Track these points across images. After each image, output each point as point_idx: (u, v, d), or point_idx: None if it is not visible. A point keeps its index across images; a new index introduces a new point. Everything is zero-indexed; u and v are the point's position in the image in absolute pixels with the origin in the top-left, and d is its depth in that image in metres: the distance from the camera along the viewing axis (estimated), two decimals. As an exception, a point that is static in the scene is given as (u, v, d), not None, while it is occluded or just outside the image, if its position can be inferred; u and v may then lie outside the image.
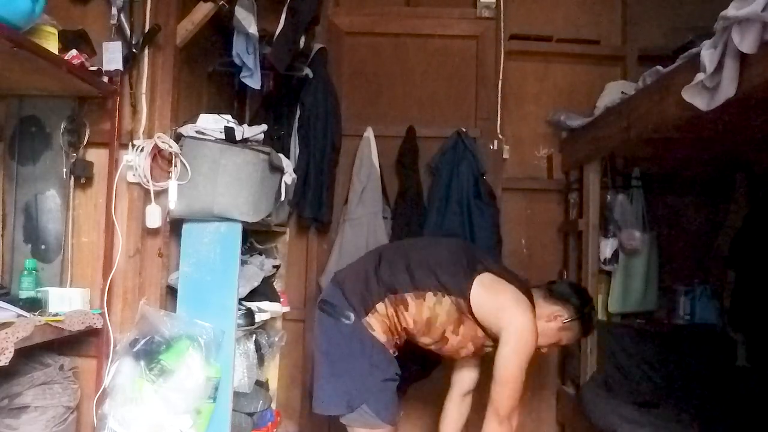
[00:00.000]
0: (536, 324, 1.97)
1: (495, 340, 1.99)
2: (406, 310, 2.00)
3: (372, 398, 1.95)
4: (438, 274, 1.99)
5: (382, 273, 2.03)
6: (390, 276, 2.02)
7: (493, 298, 1.98)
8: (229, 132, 2.08)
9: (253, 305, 2.32)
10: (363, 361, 1.97)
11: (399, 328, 2.02)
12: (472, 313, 1.97)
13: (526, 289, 2.06)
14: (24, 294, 1.88)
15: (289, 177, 2.41)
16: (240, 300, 2.21)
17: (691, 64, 1.65)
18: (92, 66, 1.95)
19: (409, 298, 1.99)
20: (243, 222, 2.13)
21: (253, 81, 2.38)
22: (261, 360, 2.51)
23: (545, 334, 2.04)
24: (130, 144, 2.05)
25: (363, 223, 2.84)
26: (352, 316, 1.99)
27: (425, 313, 1.99)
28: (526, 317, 1.94)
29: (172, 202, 2.04)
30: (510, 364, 1.91)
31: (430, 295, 1.98)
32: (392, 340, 2.04)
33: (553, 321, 2.06)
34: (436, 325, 2.01)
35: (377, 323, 2.00)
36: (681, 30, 2.58)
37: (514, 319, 1.93)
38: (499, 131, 3.03)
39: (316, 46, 2.86)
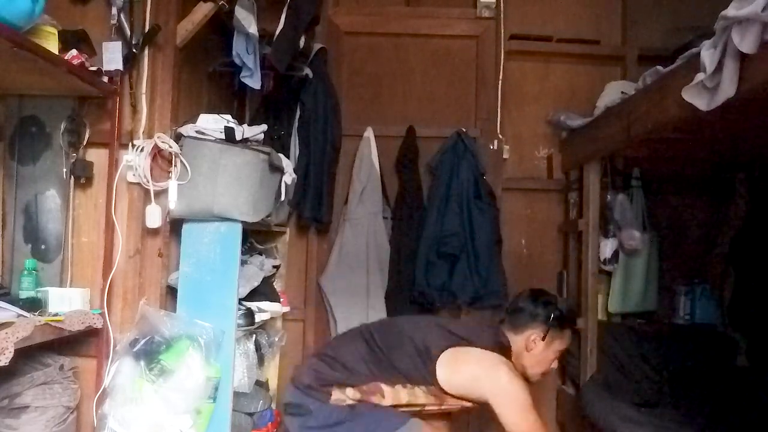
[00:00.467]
0: (514, 368, 1.94)
1: (483, 402, 1.94)
2: (383, 397, 1.93)
3: None
4: (399, 369, 1.94)
5: (341, 373, 1.95)
6: (352, 375, 1.94)
7: (461, 375, 1.92)
8: (229, 132, 2.08)
9: (253, 305, 2.32)
10: (362, 420, 1.89)
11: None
12: (449, 394, 1.94)
13: (493, 335, 2.02)
14: (24, 294, 1.88)
15: (289, 177, 2.41)
16: (240, 300, 2.21)
17: (691, 64, 1.65)
18: (92, 66, 1.95)
19: (383, 385, 1.93)
20: (243, 222, 2.13)
21: (253, 81, 2.38)
22: (261, 360, 2.51)
23: (537, 361, 2.02)
24: (130, 144, 2.04)
25: (363, 223, 2.84)
26: (315, 404, 1.92)
27: (404, 398, 1.94)
28: (502, 373, 1.89)
29: (172, 202, 2.04)
30: (519, 423, 1.85)
31: (399, 387, 1.94)
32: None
33: (533, 346, 2.02)
34: (417, 403, 1.96)
35: (344, 395, 1.93)
36: (681, 30, 2.58)
37: (494, 384, 1.88)
38: (499, 131, 3.03)
39: (316, 46, 2.86)
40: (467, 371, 1.93)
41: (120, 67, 2.00)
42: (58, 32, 1.78)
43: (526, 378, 2.02)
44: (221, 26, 2.43)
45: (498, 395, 1.88)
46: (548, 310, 2.04)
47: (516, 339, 2.04)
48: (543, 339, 2.01)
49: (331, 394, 1.93)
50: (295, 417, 1.97)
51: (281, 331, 2.75)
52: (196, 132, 2.08)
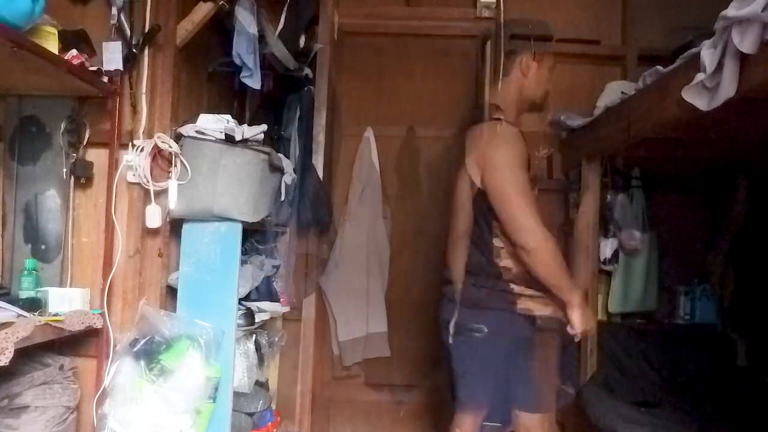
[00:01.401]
0: (512, 129, 2.07)
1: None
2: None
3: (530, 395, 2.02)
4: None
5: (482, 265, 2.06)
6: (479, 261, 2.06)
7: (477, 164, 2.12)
8: (229, 132, 2.08)
9: (253, 305, 2.32)
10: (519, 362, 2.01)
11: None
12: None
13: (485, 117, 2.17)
14: (24, 294, 1.88)
15: (289, 177, 2.41)
16: (240, 300, 2.21)
17: (691, 64, 1.65)
18: (92, 66, 1.95)
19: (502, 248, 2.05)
20: (243, 222, 2.13)
21: (253, 81, 2.38)
22: (261, 360, 2.51)
23: (536, 82, 2.23)
24: (130, 144, 2.04)
25: (363, 223, 2.85)
26: (485, 328, 1.98)
27: None
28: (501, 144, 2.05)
29: (172, 202, 2.04)
30: (498, 182, 1.99)
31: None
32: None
33: (528, 69, 2.20)
34: None
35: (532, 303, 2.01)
36: (681, 30, 2.57)
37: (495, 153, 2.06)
38: (499, 131, 3.02)
39: (316, 46, 2.86)
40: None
41: (120, 67, 1.99)
42: (58, 32, 1.78)
43: (536, 107, 2.27)
44: (221, 26, 2.43)
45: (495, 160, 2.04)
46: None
47: (511, 77, 2.19)
48: (534, 59, 2.19)
49: (515, 303, 1.98)
50: (469, 336, 2.01)
51: (281, 331, 2.75)
52: (196, 132, 2.08)
